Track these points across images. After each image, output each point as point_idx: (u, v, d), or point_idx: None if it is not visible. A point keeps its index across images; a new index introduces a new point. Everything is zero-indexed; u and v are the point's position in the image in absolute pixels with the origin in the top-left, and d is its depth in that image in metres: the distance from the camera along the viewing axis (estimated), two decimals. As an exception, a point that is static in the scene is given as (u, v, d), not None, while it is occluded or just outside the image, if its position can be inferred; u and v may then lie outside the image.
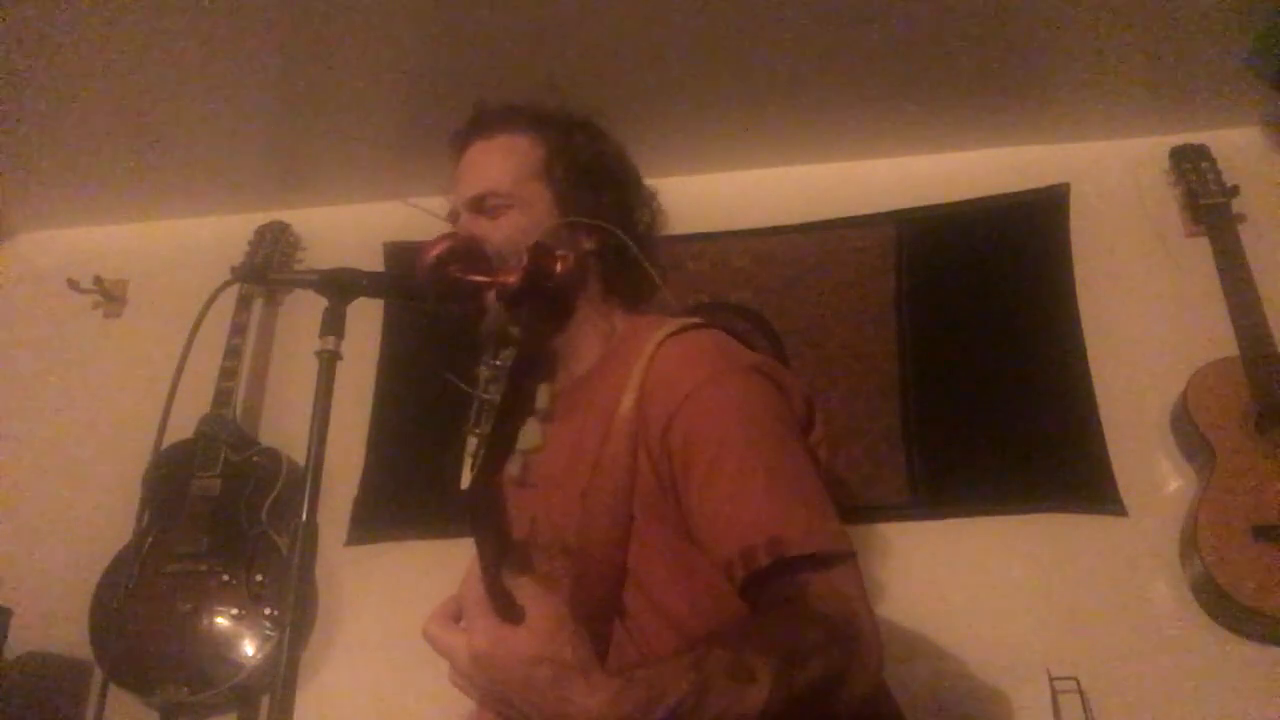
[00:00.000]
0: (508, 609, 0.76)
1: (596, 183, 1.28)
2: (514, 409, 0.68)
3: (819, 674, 0.86)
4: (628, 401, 1.08)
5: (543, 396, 0.69)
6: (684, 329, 1.14)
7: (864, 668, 0.91)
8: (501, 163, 1.29)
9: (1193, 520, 1.79)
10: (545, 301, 0.73)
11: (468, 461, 0.68)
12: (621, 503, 1.06)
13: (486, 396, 0.68)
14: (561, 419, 1.18)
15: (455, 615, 0.81)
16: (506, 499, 0.73)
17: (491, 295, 1.05)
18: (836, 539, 0.97)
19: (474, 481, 0.68)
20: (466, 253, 1.06)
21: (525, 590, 0.77)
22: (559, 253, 0.81)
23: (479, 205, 1.26)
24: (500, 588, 0.75)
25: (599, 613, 1.08)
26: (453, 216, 1.32)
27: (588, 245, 1.26)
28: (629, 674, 0.79)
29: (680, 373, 1.07)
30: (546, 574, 1.13)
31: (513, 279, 0.74)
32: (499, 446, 0.68)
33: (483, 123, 1.34)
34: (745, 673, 0.81)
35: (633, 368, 1.10)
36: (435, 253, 0.97)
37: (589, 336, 1.24)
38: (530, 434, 0.69)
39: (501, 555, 0.75)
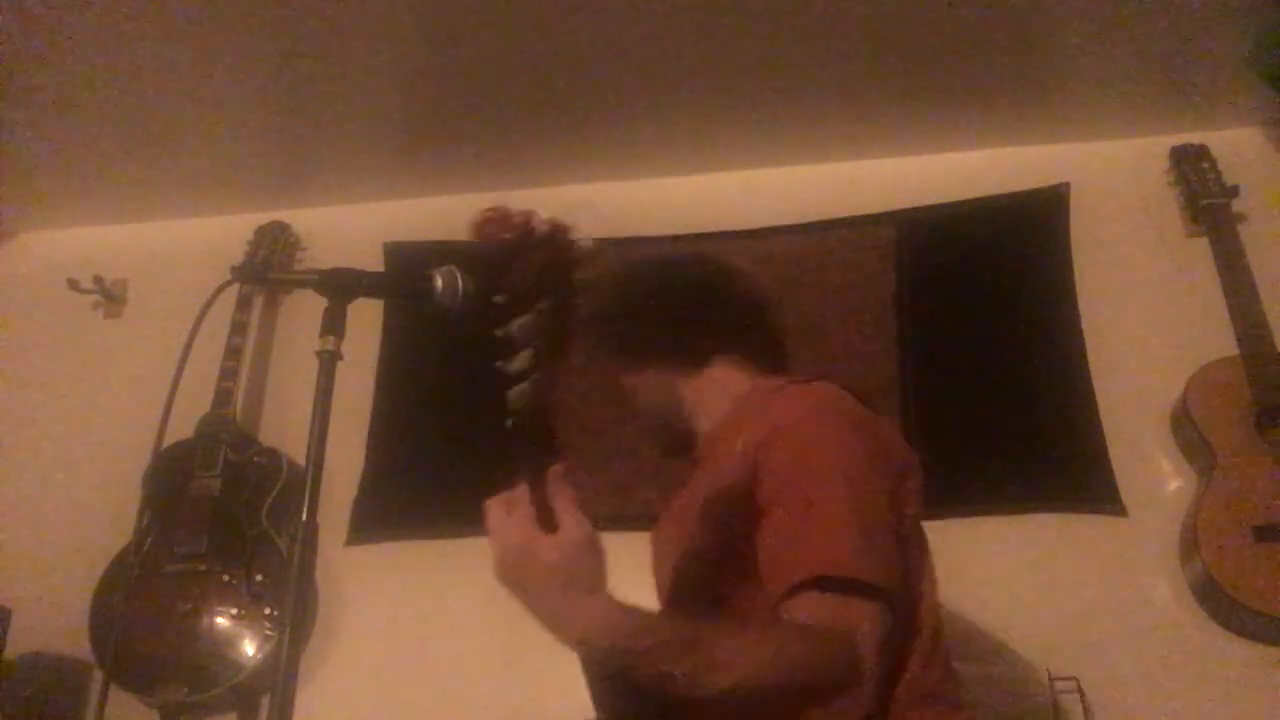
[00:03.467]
0: (545, 516, 0.86)
1: (631, 332, 1.41)
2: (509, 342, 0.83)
3: (797, 687, 0.91)
4: (738, 444, 1.15)
5: (520, 327, 0.83)
6: (795, 381, 1.26)
7: (849, 707, 0.93)
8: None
9: (1193, 520, 1.79)
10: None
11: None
12: (717, 529, 1.14)
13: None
14: (696, 468, 1.35)
15: (511, 501, 0.90)
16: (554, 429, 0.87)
17: None
18: (865, 568, 0.99)
19: (510, 421, 0.83)
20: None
21: (561, 504, 0.87)
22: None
23: None
24: (542, 497, 0.87)
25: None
26: None
27: (639, 369, 1.40)
28: (629, 605, 0.88)
29: (789, 408, 1.18)
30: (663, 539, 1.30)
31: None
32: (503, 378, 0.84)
33: None
34: (728, 650, 0.90)
35: (755, 416, 1.20)
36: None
37: (715, 404, 1.34)
38: (520, 360, 0.83)
39: (543, 471, 0.87)
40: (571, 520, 0.87)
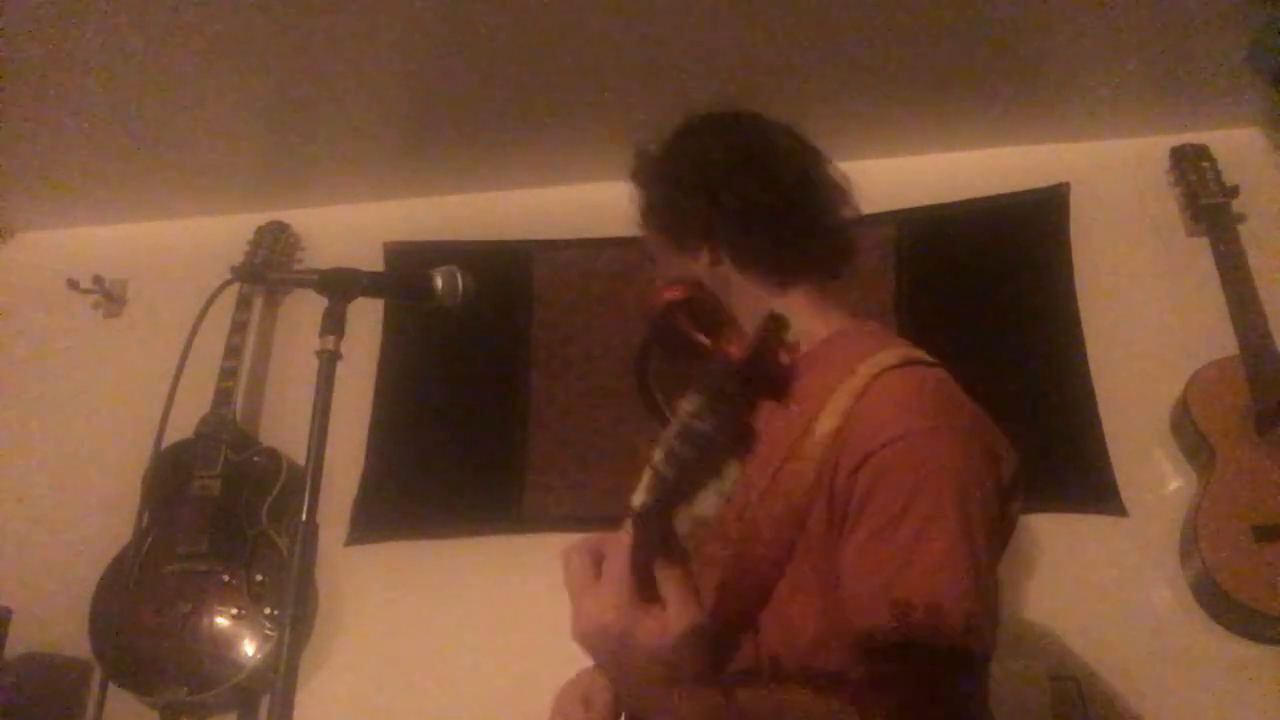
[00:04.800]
0: (647, 592, 0.77)
1: (695, 197, 1.20)
2: (695, 478, 0.71)
3: None
4: (827, 424, 1.00)
5: (729, 478, 0.71)
6: (907, 363, 1.05)
7: None
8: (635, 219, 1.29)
9: (1193, 520, 1.79)
10: (765, 387, 0.73)
11: (647, 475, 0.71)
12: (791, 526, 1.01)
13: (679, 448, 0.70)
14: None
15: (599, 556, 0.81)
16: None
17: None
18: (977, 640, 0.89)
19: (644, 514, 0.72)
20: (700, 307, 0.95)
21: (671, 584, 0.77)
22: (789, 339, 0.78)
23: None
24: (647, 570, 0.77)
25: (738, 621, 1.05)
26: None
27: (708, 263, 1.19)
28: (731, 695, 0.81)
29: (892, 414, 0.99)
30: (706, 555, 1.10)
31: (735, 351, 0.74)
32: (673, 497, 0.71)
33: None
34: None
35: (839, 386, 1.03)
36: (668, 298, 0.92)
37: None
38: (704, 504, 0.72)
39: (657, 551, 0.77)
40: (681, 603, 0.77)
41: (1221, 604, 1.75)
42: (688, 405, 0.69)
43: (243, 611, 1.99)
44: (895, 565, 0.91)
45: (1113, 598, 1.86)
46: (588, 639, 0.79)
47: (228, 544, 2.05)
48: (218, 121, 2.22)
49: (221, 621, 1.99)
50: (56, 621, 2.10)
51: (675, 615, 0.76)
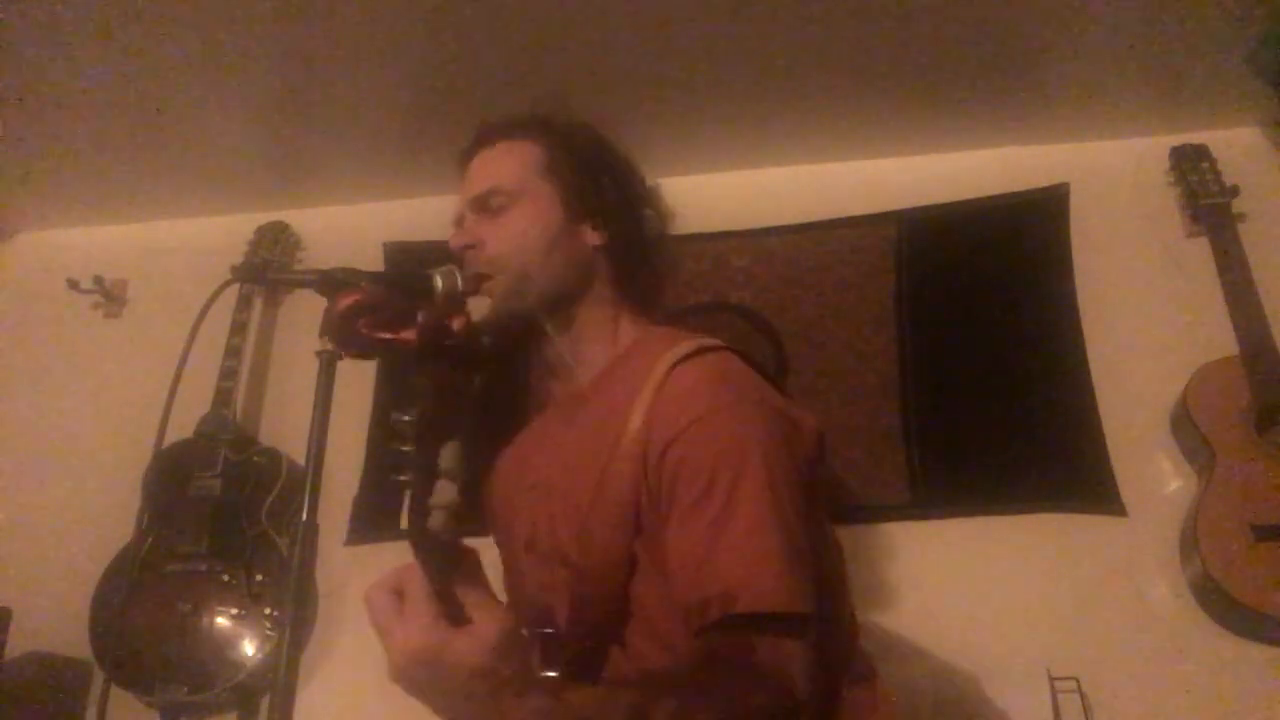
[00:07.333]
0: (452, 612, 0.76)
1: (600, 180, 1.29)
2: (426, 467, 0.72)
3: None
4: (635, 422, 1.06)
5: (447, 456, 0.73)
6: (699, 351, 1.12)
7: None
8: (505, 162, 1.30)
9: (1193, 520, 1.79)
10: (454, 358, 0.74)
11: (405, 502, 0.72)
12: (623, 527, 1.05)
13: (404, 449, 0.72)
14: (565, 424, 1.22)
15: (399, 590, 0.80)
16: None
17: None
18: (796, 600, 0.94)
19: (409, 530, 0.72)
20: (373, 307, 0.98)
21: (472, 596, 0.77)
22: (460, 311, 0.80)
23: (483, 204, 1.27)
24: (448, 590, 0.76)
25: (597, 633, 1.07)
26: (457, 220, 1.31)
27: (594, 242, 1.27)
28: (560, 694, 0.80)
29: (687, 398, 1.05)
30: (547, 583, 1.13)
31: (411, 337, 0.75)
32: (419, 503, 0.72)
33: (486, 133, 1.35)
34: (671, 715, 0.84)
35: (643, 385, 1.08)
36: (342, 307, 0.92)
37: (594, 341, 1.24)
38: (443, 492, 0.73)
39: (449, 570, 0.76)
40: (489, 614, 0.77)
41: (1221, 604, 1.75)
42: (396, 410, 0.71)
43: (243, 611, 1.99)
44: (708, 539, 0.95)
45: (1113, 598, 1.85)
46: (404, 673, 0.77)
47: (228, 544, 2.05)
48: (218, 121, 2.22)
49: (221, 621, 1.99)
50: (56, 621, 2.09)
51: (483, 625, 0.76)
